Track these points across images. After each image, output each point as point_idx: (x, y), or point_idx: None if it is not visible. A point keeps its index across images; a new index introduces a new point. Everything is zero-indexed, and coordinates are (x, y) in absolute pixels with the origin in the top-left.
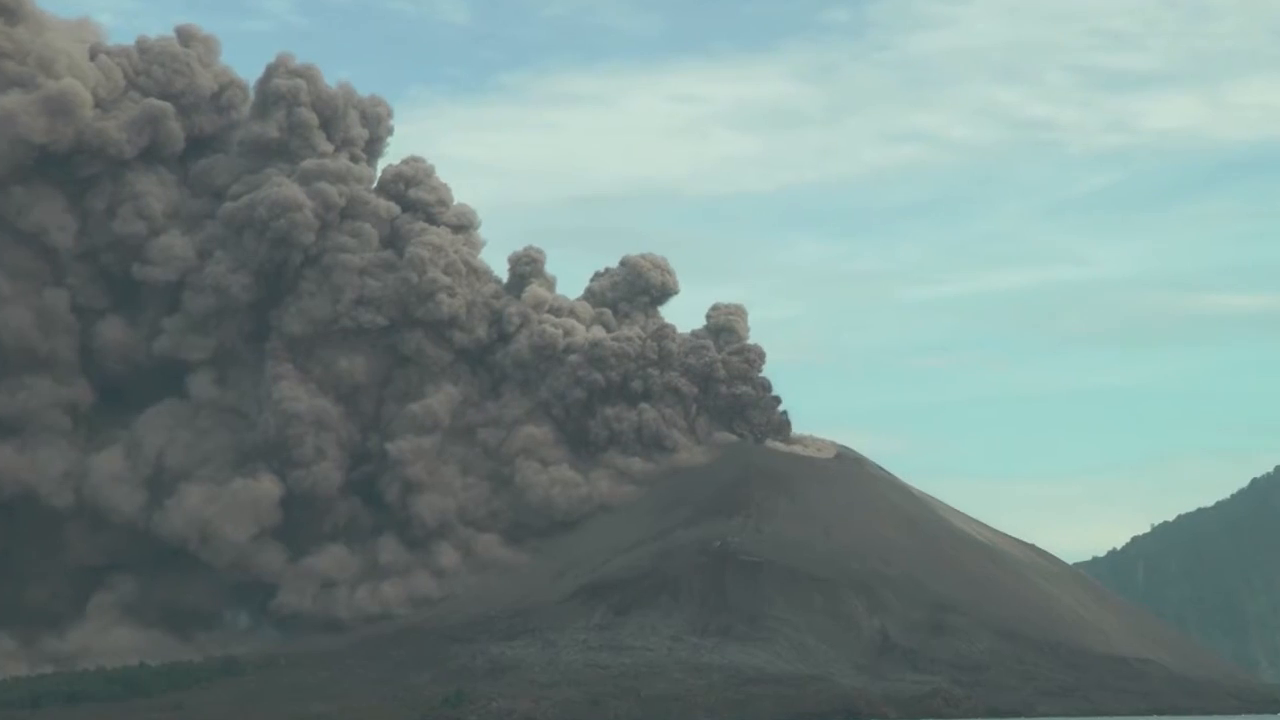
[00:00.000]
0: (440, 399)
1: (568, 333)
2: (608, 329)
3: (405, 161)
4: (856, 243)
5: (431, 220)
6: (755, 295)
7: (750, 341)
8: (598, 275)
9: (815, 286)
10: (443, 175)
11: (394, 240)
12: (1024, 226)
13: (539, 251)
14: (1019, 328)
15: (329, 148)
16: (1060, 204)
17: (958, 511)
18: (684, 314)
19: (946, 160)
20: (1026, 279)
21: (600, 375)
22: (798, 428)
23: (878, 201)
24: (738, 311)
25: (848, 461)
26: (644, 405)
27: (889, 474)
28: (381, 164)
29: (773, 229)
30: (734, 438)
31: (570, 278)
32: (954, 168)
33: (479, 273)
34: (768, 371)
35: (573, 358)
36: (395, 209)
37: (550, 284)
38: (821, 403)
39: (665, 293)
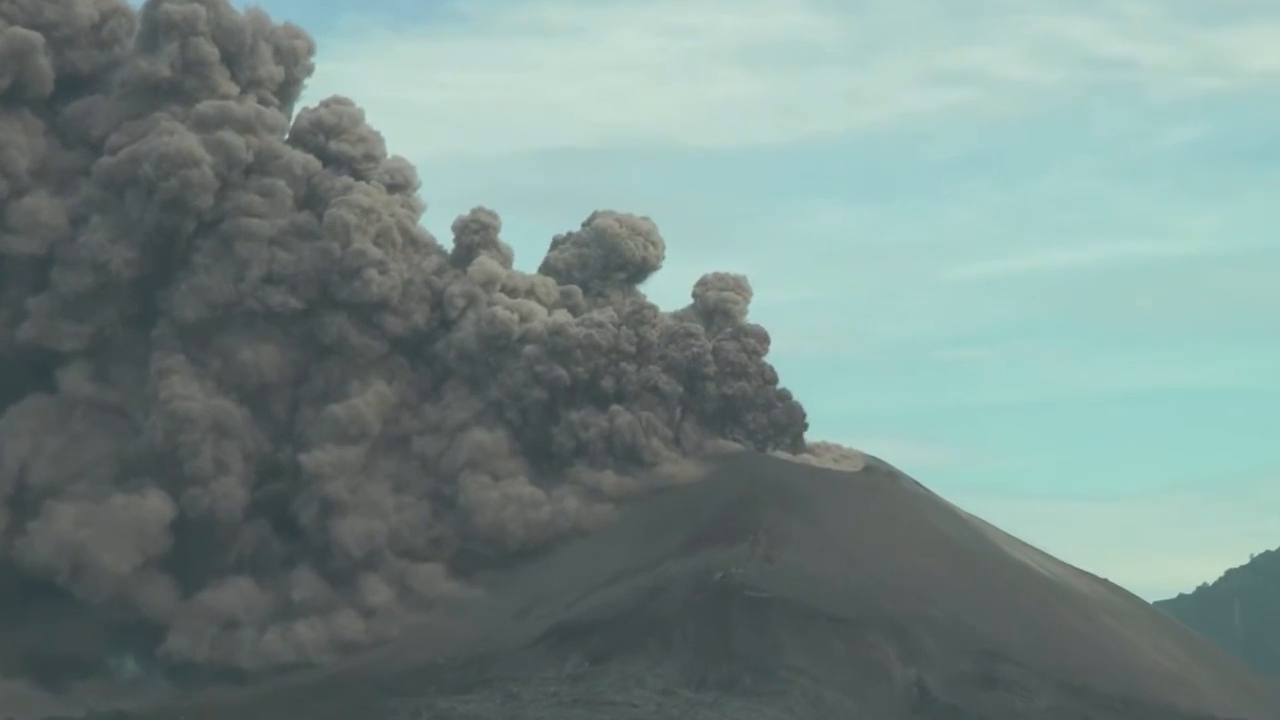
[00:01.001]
0: (368, 400)
1: (525, 317)
2: (575, 312)
3: (327, 104)
4: (889, 209)
5: (359, 178)
6: (765, 272)
7: (750, 323)
8: (558, 242)
9: (838, 262)
10: (375, 122)
11: (312, 202)
12: (1095, 190)
13: (491, 215)
14: (1088, 314)
15: (233, 89)
16: (1140, 163)
17: (1012, 538)
18: (675, 292)
19: (1001, 107)
20: (1097, 255)
21: (564, 371)
22: (817, 433)
23: (916, 158)
24: (735, 285)
25: (878, 476)
26: (616, 408)
27: (928, 491)
28: (299, 109)
29: (786, 191)
30: (737, 446)
31: (534, 250)
32: (1010, 117)
33: (418, 243)
34: (778, 365)
35: (530, 349)
36: (314, 163)
37: (506, 257)
38: (845, 403)
39: (645, 268)
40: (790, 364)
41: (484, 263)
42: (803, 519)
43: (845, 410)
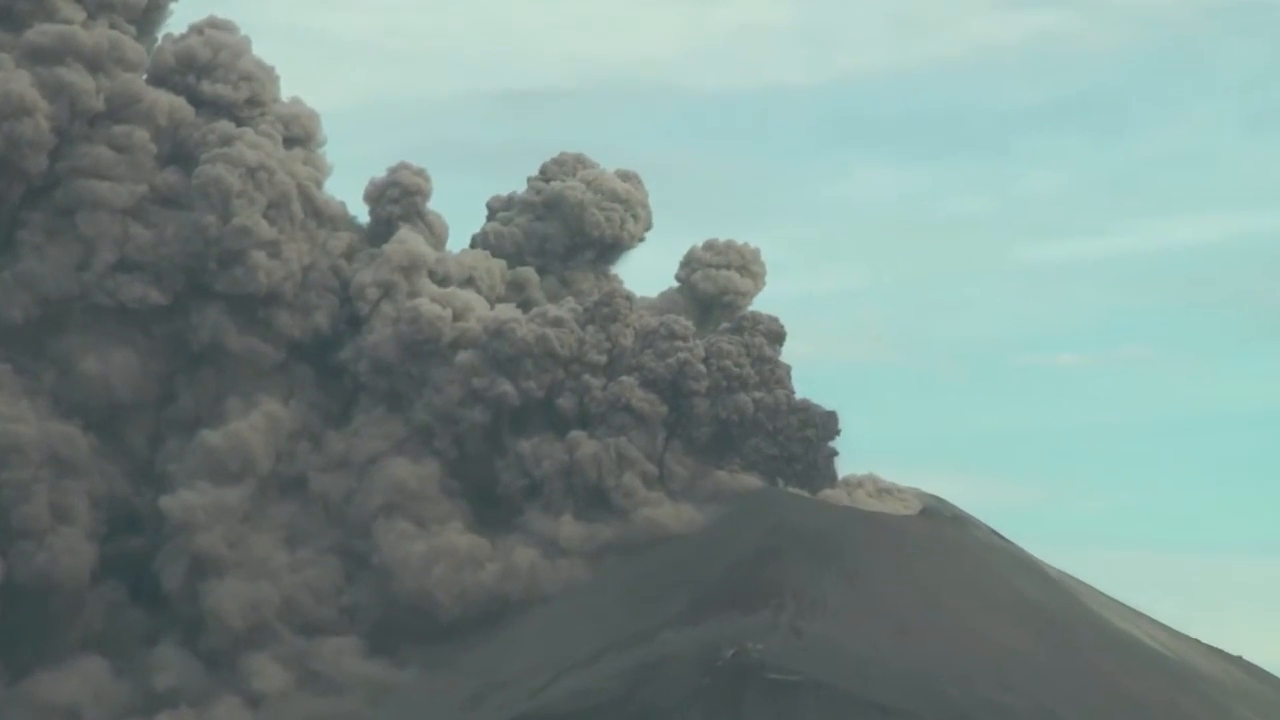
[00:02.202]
0: (254, 424)
1: (459, 314)
2: (527, 306)
3: (200, 31)
4: (952, 170)
5: (243, 126)
6: (787, 253)
7: (755, 310)
8: (498, 208)
9: (886, 240)
10: (268, 55)
11: (180, 160)
12: (1223, 146)
13: (418, 175)
14: (1215, 307)
15: (77, 12)
16: None
17: (1117, 603)
18: (666, 274)
19: (1099, 39)
20: (1227, 229)
21: (511, 385)
22: (859, 464)
23: (987, 104)
24: (739, 260)
25: (940, 521)
26: (579, 435)
27: (1005, 541)
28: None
29: (819, 147)
30: (754, 482)
31: (480, 224)
32: (1112, 51)
33: (324, 215)
34: (805, 376)
35: (466, 356)
36: (184, 109)
37: (437, 233)
38: (895, 425)
39: (620, 245)
40: (821, 373)
41: (406, 241)
42: (840, 578)
43: (895, 434)
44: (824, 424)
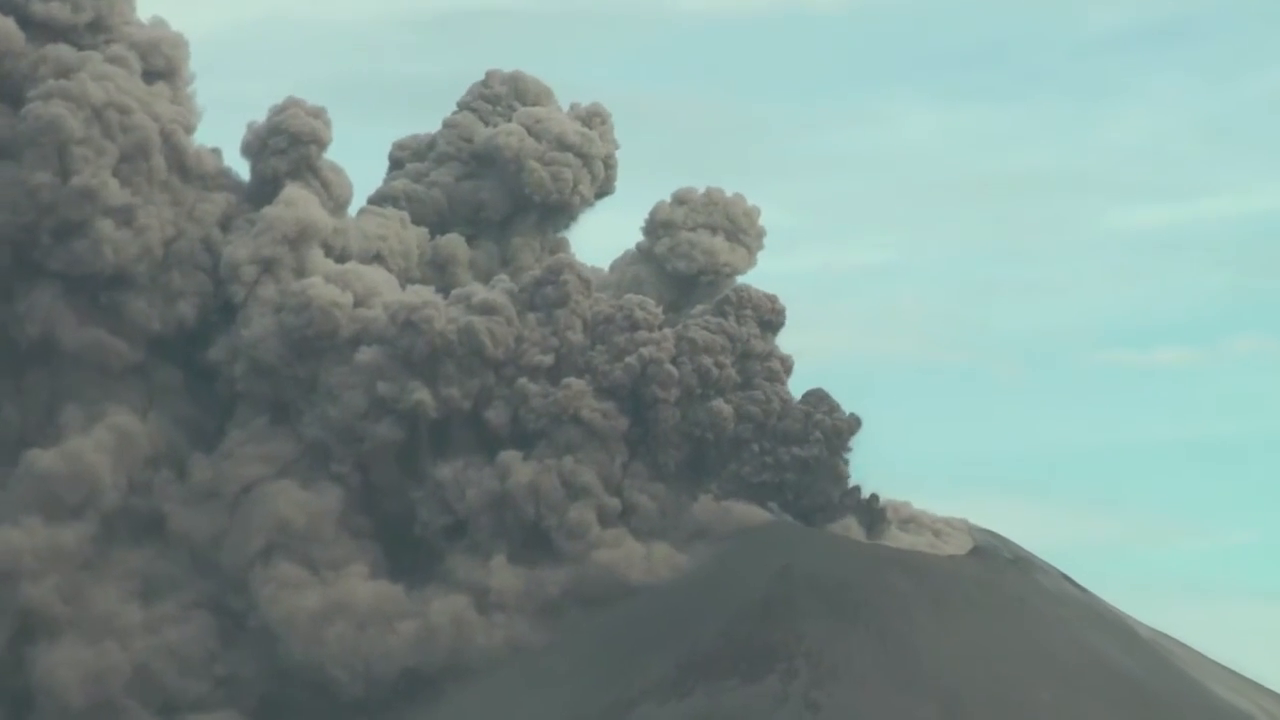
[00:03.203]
0: (99, 443)
1: (363, 298)
2: (450, 286)
3: None
4: (1019, 114)
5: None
6: (800, 218)
7: (745, 285)
8: (404, 157)
9: (929, 201)
10: None
11: (2, 97)
12: None
13: (314, 117)
14: None
15: None
16: None
17: (1226, 670)
18: (632, 236)
19: None
20: None
21: (427, 393)
22: (892, 489)
23: (1063, 33)
24: (725, 215)
25: (995, 564)
26: (512, 455)
27: (1081, 590)
28: None
29: (841, 81)
30: (760, 514)
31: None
32: None
33: (192, 172)
34: (825, 374)
35: (369, 354)
36: (9, 31)
37: (338, 194)
38: (941, 441)
39: (572, 207)
40: (839, 373)
41: (295, 203)
42: (867, 638)
43: (938, 451)
44: (836, 433)
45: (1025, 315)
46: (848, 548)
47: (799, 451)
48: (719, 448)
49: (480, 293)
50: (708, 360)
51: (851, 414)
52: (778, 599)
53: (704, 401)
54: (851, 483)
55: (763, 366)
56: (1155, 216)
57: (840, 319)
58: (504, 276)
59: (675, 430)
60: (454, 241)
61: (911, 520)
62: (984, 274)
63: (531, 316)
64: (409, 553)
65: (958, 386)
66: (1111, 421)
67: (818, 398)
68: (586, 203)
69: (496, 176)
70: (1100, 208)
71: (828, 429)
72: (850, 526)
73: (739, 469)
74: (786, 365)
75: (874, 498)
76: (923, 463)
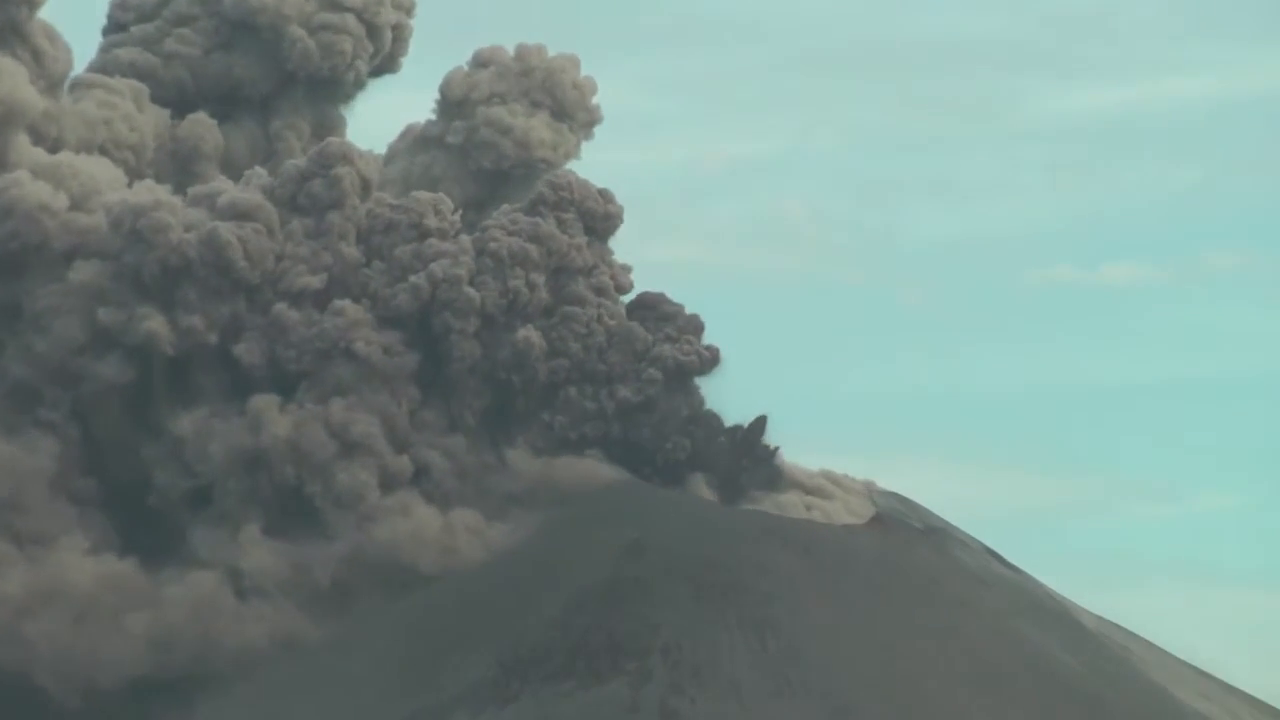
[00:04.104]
0: None
1: (80, 199)
2: (188, 183)
3: None
4: None
5: None
6: (669, 100)
7: (568, 173)
8: (132, 20)
9: (826, 79)
10: None
11: None
12: None
13: None
14: None
15: None
16: None
17: (1195, 671)
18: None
19: None
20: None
21: (159, 321)
22: (774, 440)
23: None
24: (542, 82)
25: (902, 535)
26: (266, 401)
27: (1012, 569)
28: None
29: None
30: (601, 474)
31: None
32: None
33: None
34: (685, 290)
35: (88, 271)
36: None
37: (52, 66)
38: (840, 382)
39: (337, 85)
40: (716, 290)
41: None
42: (740, 630)
43: (835, 394)
44: (680, 370)
45: (940, 223)
46: (713, 516)
47: (626, 395)
48: (527, 391)
49: (229, 192)
50: (517, 278)
51: (708, 346)
52: (625, 581)
53: (510, 331)
54: (715, 431)
55: (588, 283)
56: (1107, 99)
57: (709, 226)
58: (261, 170)
59: (476, 369)
60: (199, 126)
61: (796, 481)
62: (889, 170)
63: (296, 223)
64: (142, 524)
65: (855, 313)
66: (1049, 359)
67: (660, 315)
68: (364, 78)
69: (253, 45)
70: (1037, 87)
71: (670, 365)
72: (700, 486)
73: (551, 418)
74: (620, 280)
75: (760, 446)
76: (810, 408)
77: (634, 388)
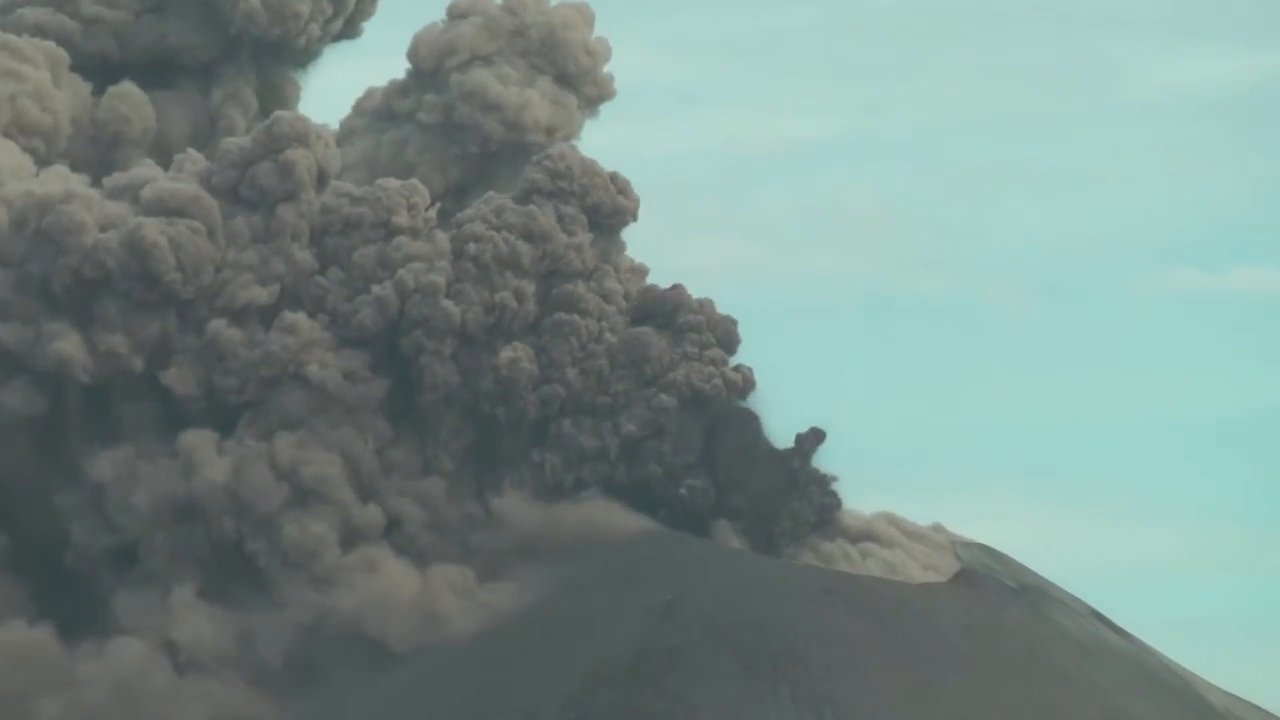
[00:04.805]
0: None
1: None
2: (109, 173)
3: None
4: None
5: None
6: (710, 72)
7: (565, 150)
8: None
9: (900, 51)
10: None
11: None
12: None
13: None
14: None
15: None
16: None
17: None
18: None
19: None
20: None
21: (73, 341)
22: (838, 482)
23: None
24: (543, 37)
25: (991, 592)
26: (198, 437)
27: (1119, 631)
28: None
29: None
30: (628, 524)
31: None
32: None
33: None
34: (727, 297)
35: None
36: None
37: None
38: (910, 410)
39: (288, 50)
40: (764, 298)
41: None
42: (795, 704)
43: (910, 423)
44: (698, 397)
45: (1037, 219)
46: (761, 572)
47: (630, 428)
48: (514, 426)
49: (158, 180)
50: (505, 287)
51: (738, 368)
52: (656, 651)
53: (493, 353)
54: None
55: (589, 290)
56: (1237, 68)
57: (757, 222)
58: (195, 154)
59: (454, 399)
60: (126, 101)
61: (858, 528)
62: (975, 156)
63: (240, 221)
64: (57, 587)
65: (933, 327)
66: (1169, 381)
67: (680, 322)
68: (320, 45)
69: (191, 5)
70: (1153, 54)
71: (686, 391)
72: (727, 536)
73: (542, 457)
74: (630, 282)
75: (812, 476)
76: (874, 442)
77: (641, 420)
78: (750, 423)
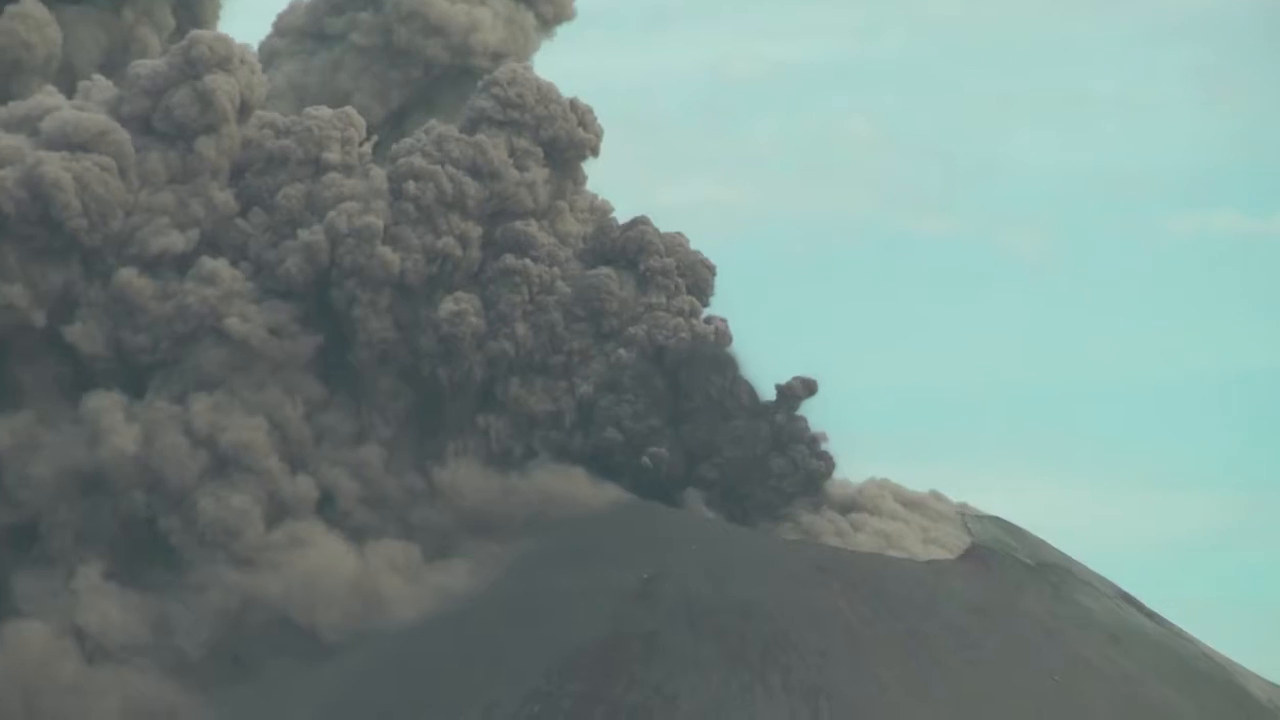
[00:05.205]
0: None
1: None
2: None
3: None
4: None
5: None
6: None
7: (516, 69)
8: None
9: None
10: None
11: None
12: None
13: None
14: None
15: None
16: None
17: None
18: None
19: None
20: None
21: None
22: (833, 446)
23: None
24: None
25: (1006, 570)
26: (105, 400)
27: (1148, 614)
28: None
29: None
30: (592, 487)
31: None
32: None
33: None
34: (708, 239)
35: None
36: None
37: None
38: (914, 364)
39: None
40: (748, 241)
41: None
42: (788, 695)
43: (913, 379)
44: (654, 349)
45: (1055, 151)
46: (748, 547)
47: (585, 389)
48: (456, 387)
49: (61, 110)
50: (450, 228)
51: (712, 318)
52: (631, 636)
53: (434, 305)
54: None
55: (542, 232)
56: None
57: (741, 155)
58: (103, 80)
59: (391, 357)
60: (26, 21)
61: (864, 502)
62: (984, 80)
63: (154, 157)
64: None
65: (938, 272)
66: (1203, 334)
67: (647, 265)
68: None
69: None
70: None
71: (648, 346)
72: (698, 508)
73: (488, 423)
74: (590, 223)
75: (799, 433)
76: (875, 401)
77: (598, 378)
78: (724, 369)
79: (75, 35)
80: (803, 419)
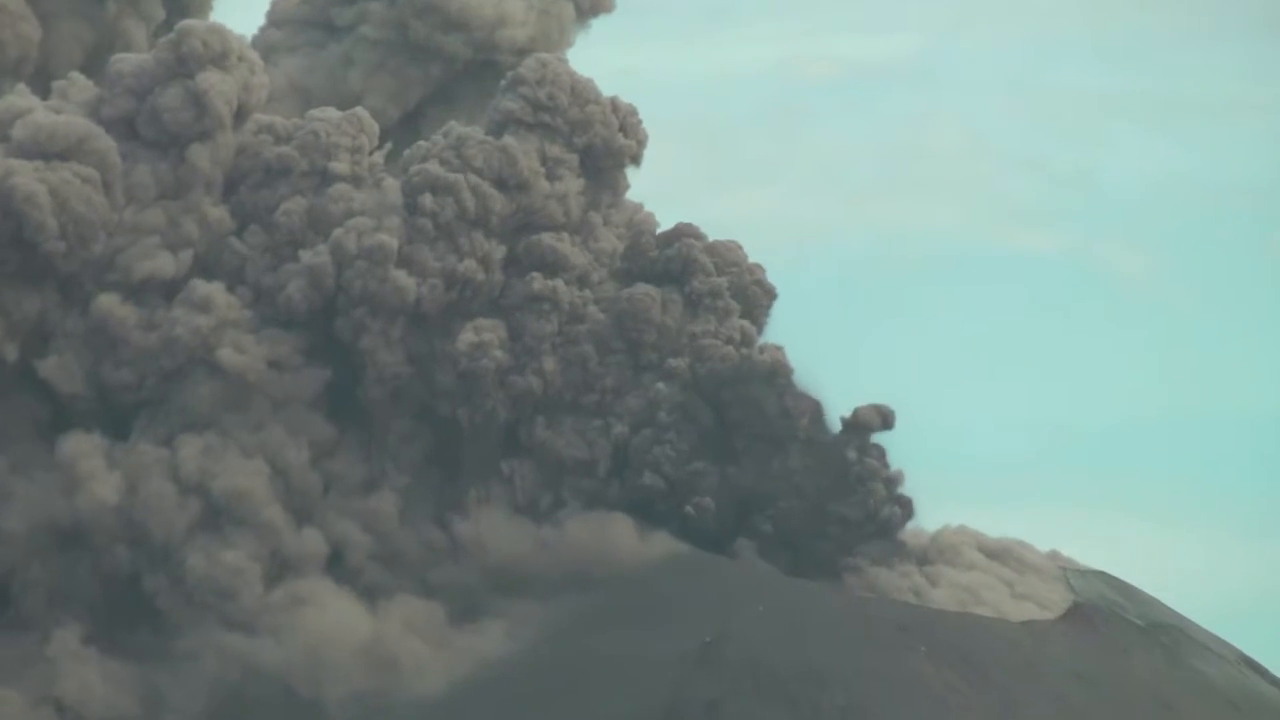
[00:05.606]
0: None
1: None
2: None
3: None
4: None
5: None
6: None
7: (543, 60)
8: None
9: None
10: None
11: None
12: None
13: None
14: None
15: None
16: None
17: None
18: None
19: None
20: None
21: None
22: (918, 490)
23: None
24: None
25: (1113, 632)
26: (82, 443)
27: (1271, 679)
28: None
29: None
30: (657, 543)
31: None
32: None
33: None
34: (774, 257)
35: None
36: None
37: None
38: (1009, 400)
39: None
40: (821, 257)
41: None
42: None
43: (1010, 416)
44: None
45: (1160, 159)
46: (820, 606)
47: (620, 429)
48: (477, 428)
49: (35, 112)
50: (472, 249)
51: (767, 347)
52: (693, 702)
53: (450, 334)
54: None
55: (573, 249)
56: None
57: (814, 165)
58: (83, 80)
59: (406, 393)
60: (3, 13)
61: (940, 552)
62: (1086, 84)
63: (142, 168)
64: None
65: (1031, 290)
66: None
67: (694, 285)
68: None
69: None
70: None
71: (687, 376)
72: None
73: (512, 468)
74: (626, 232)
75: (893, 490)
76: (956, 437)
77: (635, 417)
78: (779, 391)
79: (54, 29)
80: (879, 452)
